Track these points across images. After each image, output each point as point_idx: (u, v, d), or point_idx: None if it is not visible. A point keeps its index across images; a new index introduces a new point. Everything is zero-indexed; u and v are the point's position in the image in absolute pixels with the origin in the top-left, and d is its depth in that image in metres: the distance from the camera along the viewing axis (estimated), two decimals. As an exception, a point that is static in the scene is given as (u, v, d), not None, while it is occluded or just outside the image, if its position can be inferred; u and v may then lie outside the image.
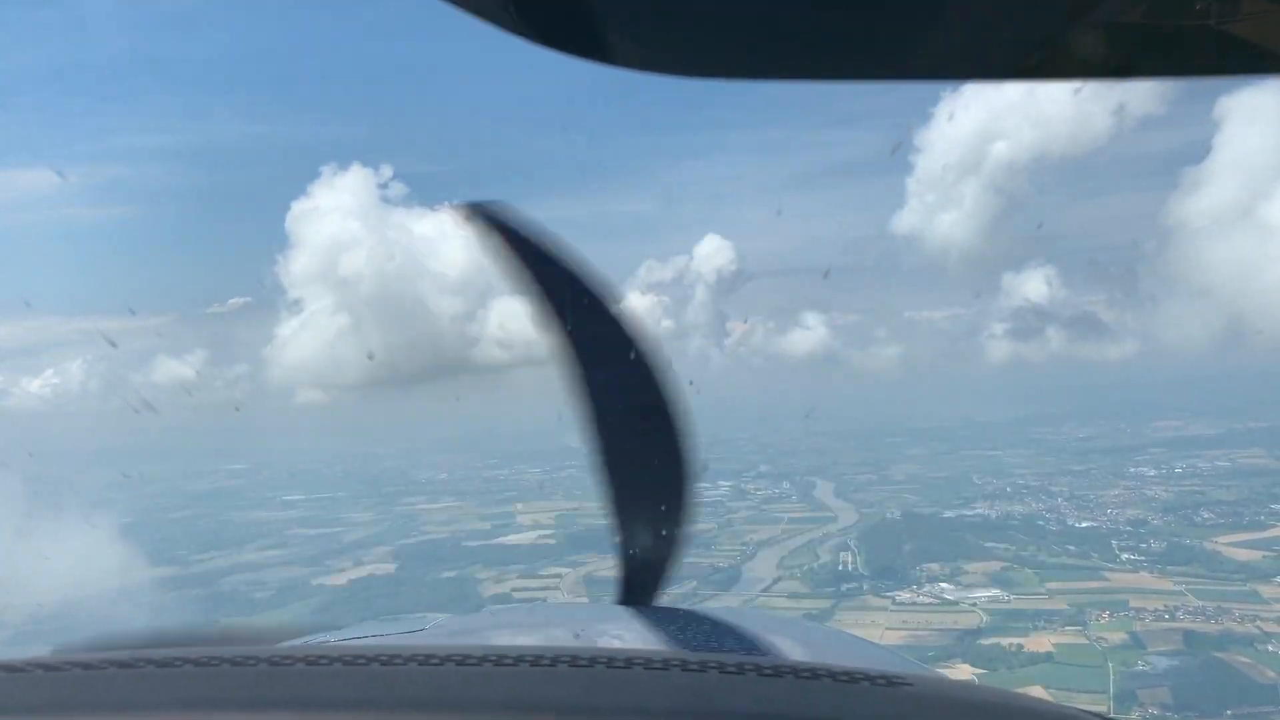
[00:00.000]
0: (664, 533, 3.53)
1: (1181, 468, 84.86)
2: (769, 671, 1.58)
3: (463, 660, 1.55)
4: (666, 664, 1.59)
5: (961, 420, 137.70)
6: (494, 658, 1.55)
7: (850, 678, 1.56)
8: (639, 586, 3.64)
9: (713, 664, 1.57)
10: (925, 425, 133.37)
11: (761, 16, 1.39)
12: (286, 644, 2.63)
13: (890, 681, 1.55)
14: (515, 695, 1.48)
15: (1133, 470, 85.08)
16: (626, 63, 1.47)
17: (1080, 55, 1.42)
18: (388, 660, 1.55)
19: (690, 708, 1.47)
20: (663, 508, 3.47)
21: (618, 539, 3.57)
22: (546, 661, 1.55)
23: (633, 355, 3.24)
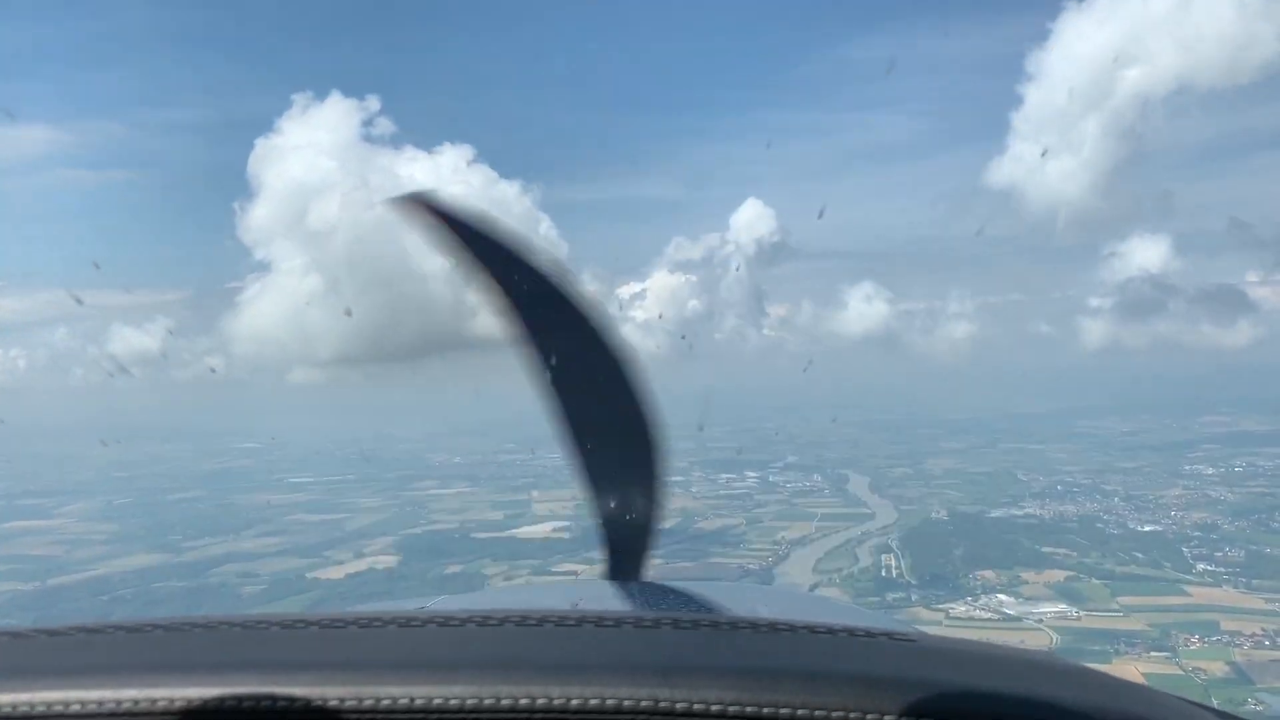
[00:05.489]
0: (639, 505, 3.59)
1: (1241, 466, 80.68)
2: (764, 629, 1.59)
3: (444, 622, 1.61)
4: (657, 623, 1.59)
5: (995, 412, 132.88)
6: (478, 619, 1.60)
7: (849, 633, 1.58)
8: (624, 561, 3.67)
9: (705, 622, 1.59)
10: (958, 417, 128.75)
11: None
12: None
13: (892, 637, 1.58)
14: (502, 654, 1.51)
15: (1188, 468, 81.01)
16: None
17: None
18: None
19: (685, 662, 1.45)
20: (635, 481, 3.54)
21: (596, 517, 3.62)
22: (533, 622, 1.58)
23: (588, 333, 3.30)
